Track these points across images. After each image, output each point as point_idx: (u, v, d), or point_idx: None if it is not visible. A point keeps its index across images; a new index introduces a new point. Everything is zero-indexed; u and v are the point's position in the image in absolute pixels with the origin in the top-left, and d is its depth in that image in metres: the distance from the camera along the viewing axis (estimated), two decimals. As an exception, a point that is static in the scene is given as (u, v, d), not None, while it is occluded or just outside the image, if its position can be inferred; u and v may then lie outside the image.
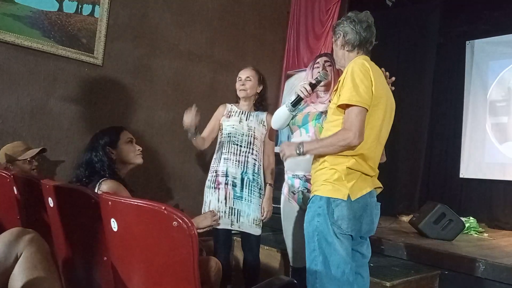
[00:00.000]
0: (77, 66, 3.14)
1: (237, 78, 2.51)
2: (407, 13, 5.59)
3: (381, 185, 1.83)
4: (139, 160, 1.97)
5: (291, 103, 2.07)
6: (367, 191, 1.70)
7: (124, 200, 1.12)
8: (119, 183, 1.76)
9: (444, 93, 5.91)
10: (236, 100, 2.57)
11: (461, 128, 5.66)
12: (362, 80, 1.62)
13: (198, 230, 1.76)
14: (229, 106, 2.54)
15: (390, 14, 5.61)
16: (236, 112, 2.50)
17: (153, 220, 1.05)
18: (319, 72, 2.08)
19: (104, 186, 1.71)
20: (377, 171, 1.79)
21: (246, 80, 2.47)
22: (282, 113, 2.15)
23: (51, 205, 1.49)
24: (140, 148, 1.98)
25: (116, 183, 1.74)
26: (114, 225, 1.14)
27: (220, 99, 2.67)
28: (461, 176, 5.63)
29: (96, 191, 1.69)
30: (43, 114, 2.99)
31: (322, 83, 2.09)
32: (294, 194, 2.18)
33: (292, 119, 2.18)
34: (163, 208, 1.00)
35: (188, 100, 3.86)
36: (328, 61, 2.17)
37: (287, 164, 2.17)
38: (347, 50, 1.81)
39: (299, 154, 1.73)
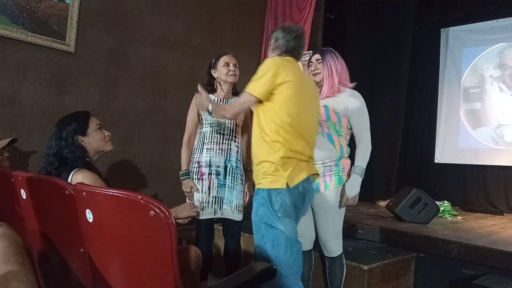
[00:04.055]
0: (49, 53, 3.04)
1: (222, 63, 2.45)
2: (384, 1, 5.63)
3: (318, 172, 1.94)
4: (109, 147, 1.89)
5: None
6: (303, 177, 1.79)
7: (99, 190, 1.10)
8: (93, 173, 1.69)
9: (419, 80, 6.02)
10: (206, 87, 2.53)
11: (436, 115, 5.79)
12: (266, 74, 1.77)
13: (178, 221, 1.74)
14: None
15: (367, 1, 5.64)
16: (214, 100, 2.48)
17: (130, 210, 1.03)
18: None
19: (79, 177, 1.64)
20: (311, 154, 1.89)
21: (234, 66, 2.48)
22: None
23: (24, 197, 1.45)
24: (109, 134, 1.89)
25: (91, 174, 1.68)
26: (89, 216, 1.11)
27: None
28: (436, 161, 5.78)
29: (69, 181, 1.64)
30: (14, 104, 2.89)
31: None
32: None
33: None
34: (140, 197, 0.98)
35: (166, 88, 3.80)
36: (319, 59, 2.23)
37: None
38: (276, 54, 1.94)
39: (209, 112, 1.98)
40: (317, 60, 2.24)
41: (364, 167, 2.14)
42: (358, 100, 2.18)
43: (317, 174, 1.94)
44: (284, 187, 1.75)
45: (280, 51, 1.92)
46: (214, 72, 2.48)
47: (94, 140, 1.81)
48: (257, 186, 1.86)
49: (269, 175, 1.78)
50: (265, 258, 1.79)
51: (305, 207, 1.90)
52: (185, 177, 2.42)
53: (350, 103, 2.15)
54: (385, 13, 5.67)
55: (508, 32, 5.24)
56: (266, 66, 1.79)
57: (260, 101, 1.81)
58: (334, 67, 2.17)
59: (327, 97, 2.18)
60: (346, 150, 2.21)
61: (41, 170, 1.77)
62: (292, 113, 1.78)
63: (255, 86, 1.79)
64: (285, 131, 1.76)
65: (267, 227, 1.79)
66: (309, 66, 2.30)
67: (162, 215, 0.96)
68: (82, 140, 1.78)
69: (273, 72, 1.76)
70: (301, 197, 1.81)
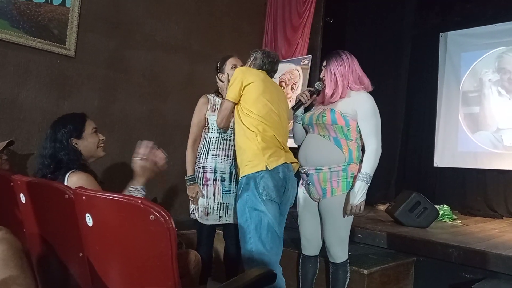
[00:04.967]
0: (49, 57, 3.05)
1: (230, 66, 2.41)
2: (383, 5, 5.64)
3: (297, 161, 2.15)
4: (101, 153, 1.85)
5: (292, 107, 2.24)
6: (281, 162, 2.02)
7: (99, 194, 1.09)
8: (88, 175, 1.66)
9: (418, 84, 6.02)
10: (216, 90, 2.51)
11: (435, 119, 5.79)
12: (234, 81, 2.12)
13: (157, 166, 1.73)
14: (211, 98, 2.45)
15: (366, 5, 5.66)
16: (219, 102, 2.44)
17: (130, 214, 1.03)
18: (318, 81, 2.21)
19: (74, 178, 1.61)
20: (286, 145, 2.15)
21: None
22: (294, 128, 2.30)
23: (23, 201, 1.45)
24: (104, 138, 1.86)
25: (85, 175, 1.65)
26: (89, 220, 1.11)
27: (198, 91, 2.62)
28: (435, 165, 5.77)
29: (64, 184, 1.62)
30: (14, 108, 2.89)
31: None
32: (308, 184, 2.17)
33: (303, 119, 2.23)
34: (140, 202, 0.98)
35: (165, 92, 3.81)
36: (324, 65, 2.19)
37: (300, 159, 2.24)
38: None
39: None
40: (323, 66, 2.19)
41: (371, 174, 2.02)
42: (367, 103, 2.06)
43: (296, 163, 2.15)
44: (264, 169, 1.97)
45: (255, 68, 2.23)
46: (222, 76, 2.43)
47: (89, 143, 1.78)
48: (240, 176, 2.06)
49: (250, 161, 2.01)
50: (248, 239, 1.96)
51: (289, 195, 2.10)
52: (192, 182, 2.38)
53: (358, 106, 2.05)
54: (384, 17, 5.69)
55: (507, 37, 5.26)
56: (234, 75, 2.15)
57: (238, 103, 2.14)
58: (338, 71, 2.09)
59: (330, 102, 2.11)
60: (357, 155, 2.09)
61: (36, 172, 1.74)
62: (262, 107, 2.07)
63: (229, 93, 2.13)
64: (259, 122, 2.04)
65: (251, 210, 1.97)
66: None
67: (162, 219, 0.96)
68: (76, 143, 1.75)
69: (239, 77, 2.11)
70: (282, 181, 2.02)
